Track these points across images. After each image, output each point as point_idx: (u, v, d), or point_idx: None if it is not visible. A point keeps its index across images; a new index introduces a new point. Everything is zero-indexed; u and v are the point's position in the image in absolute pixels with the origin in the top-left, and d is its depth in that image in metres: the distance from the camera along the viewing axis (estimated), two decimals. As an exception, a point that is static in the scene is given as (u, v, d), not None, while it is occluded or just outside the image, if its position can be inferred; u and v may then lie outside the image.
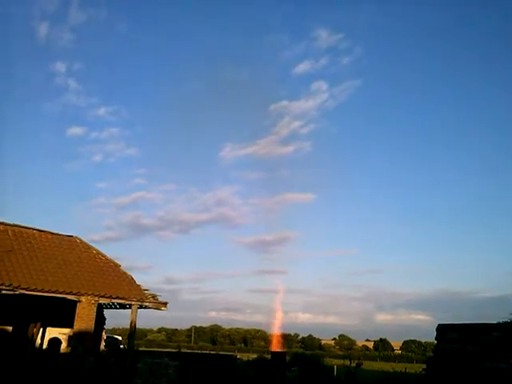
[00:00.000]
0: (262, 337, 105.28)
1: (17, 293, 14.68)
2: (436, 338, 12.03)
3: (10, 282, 14.57)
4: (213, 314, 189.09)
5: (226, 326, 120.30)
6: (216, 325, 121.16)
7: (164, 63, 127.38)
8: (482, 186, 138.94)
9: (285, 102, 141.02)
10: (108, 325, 23.17)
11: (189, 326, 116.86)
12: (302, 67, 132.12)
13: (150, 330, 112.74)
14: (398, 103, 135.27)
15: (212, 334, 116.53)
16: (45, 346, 18.51)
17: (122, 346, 24.11)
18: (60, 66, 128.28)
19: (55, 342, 17.36)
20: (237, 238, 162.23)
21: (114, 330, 49.22)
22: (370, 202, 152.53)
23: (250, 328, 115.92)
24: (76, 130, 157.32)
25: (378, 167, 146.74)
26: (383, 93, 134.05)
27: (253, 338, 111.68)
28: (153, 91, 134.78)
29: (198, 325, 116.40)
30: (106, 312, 22.10)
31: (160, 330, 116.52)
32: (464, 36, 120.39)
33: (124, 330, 40.90)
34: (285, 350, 16.94)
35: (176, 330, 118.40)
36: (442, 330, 11.86)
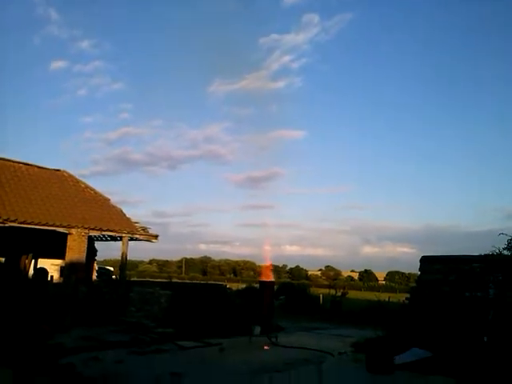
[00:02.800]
0: (251, 267, 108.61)
1: (6, 225, 14.71)
2: (419, 269, 12.41)
3: (-2, 215, 14.56)
4: (203, 246, 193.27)
5: (216, 258, 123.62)
6: (206, 256, 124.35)
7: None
8: (471, 121, 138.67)
9: (275, 36, 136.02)
10: (99, 256, 23.60)
11: (180, 258, 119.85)
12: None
13: (142, 262, 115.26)
14: (391, 38, 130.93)
15: (202, 265, 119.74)
16: (30, 275, 18.82)
17: (114, 277, 24.65)
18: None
19: (42, 271, 17.59)
20: (226, 175, 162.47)
21: (106, 262, 50.09)
22: (360, 140, 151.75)
23: (239, 259, 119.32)
24: (59, 64, 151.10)
25: (369, 103, 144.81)
26: (377, 26, 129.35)
27: (242, 268, 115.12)
28: (137, 24, 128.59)
29: (188, 257, 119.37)
30: (97, 244, 22.42)
31: (151, 262, 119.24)
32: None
33: (115, 261, 41.64)
34: (273, 279, 17.44)
35: (167, 261, 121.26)
36: (426, 261, 12.21)
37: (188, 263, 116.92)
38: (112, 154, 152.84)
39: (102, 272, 24.15)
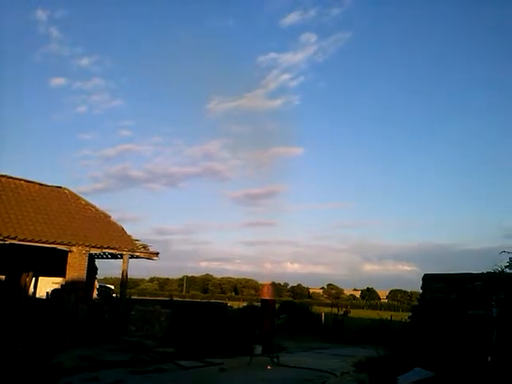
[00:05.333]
0: (252, 286, 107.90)
1: (7, 243, 14.67)
2: (421, 288, 12.30)
3: (-1, 232, 14.54)
4: (204, 264, 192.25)
5: (217, 276, 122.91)
6: (207, 274, 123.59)
7: (149, 12, 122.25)
8: (472, 140, 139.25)
9: (273, 54, 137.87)
10: (100, 274, 23.48)
11: (180, 276, 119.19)
12: (291, 18, 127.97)
13: (142, 280, 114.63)
14: (387, 56, 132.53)
15: (203, 283, 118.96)
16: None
17: (114, 295, 24.52)
18: (41, 14, 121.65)
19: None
20: (225, 192, 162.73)
21: (107, 280, 49.93)
22: (358, 157, 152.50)
23: (240, 277, 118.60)
24: (59, 81, 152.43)
25: (367, 121, 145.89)
26: (373, 46, 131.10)
27: (243, 287, 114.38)
28: (137, 42, 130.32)
29: (189, 274, 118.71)
30: (98, 262, 22.33)
31: (152, 280, 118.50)
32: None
33: (116, 279, 41.50)
34: (274, 298, 17.31)
35: (168, 279, 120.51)
36: (428, 279, 12.11)
37: (189, 281, 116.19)
38: (112, 171, 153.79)
39: (103, 290, 24.05)
